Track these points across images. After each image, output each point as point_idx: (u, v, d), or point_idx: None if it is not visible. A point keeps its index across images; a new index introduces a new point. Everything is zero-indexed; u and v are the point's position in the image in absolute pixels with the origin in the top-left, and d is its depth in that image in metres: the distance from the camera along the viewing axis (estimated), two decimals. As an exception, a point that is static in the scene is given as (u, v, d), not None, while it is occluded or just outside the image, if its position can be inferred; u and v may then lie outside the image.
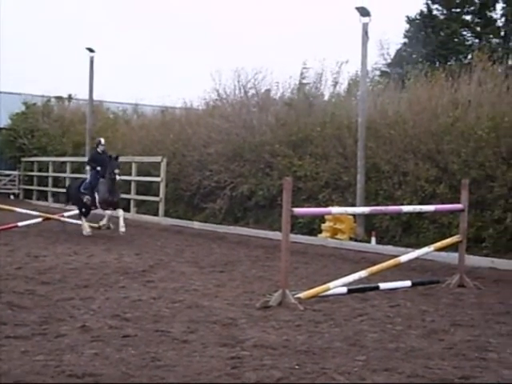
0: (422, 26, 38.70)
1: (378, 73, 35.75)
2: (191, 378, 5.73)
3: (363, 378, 5.80)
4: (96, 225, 18.20)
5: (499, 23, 39.53)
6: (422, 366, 6.13)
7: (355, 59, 18.76)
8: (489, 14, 39.44)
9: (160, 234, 18.94)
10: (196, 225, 20.98)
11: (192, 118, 25.86)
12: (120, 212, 17.32)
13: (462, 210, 11.10)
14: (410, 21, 39.60)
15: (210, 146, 22.80)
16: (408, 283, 10.57)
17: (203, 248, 15.82)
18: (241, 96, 24.01)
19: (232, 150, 22.07)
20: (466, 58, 34.65)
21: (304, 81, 23.29)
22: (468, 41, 39.51)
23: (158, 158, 23.46)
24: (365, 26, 17.95)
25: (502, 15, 39.29)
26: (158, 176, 23.23)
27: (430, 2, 39.57)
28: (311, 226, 18.36)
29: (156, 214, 23.21)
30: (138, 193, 24.74)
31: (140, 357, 6.30)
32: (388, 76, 26.94)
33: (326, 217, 17.28)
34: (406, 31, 39.76)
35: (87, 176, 19.06)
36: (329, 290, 9.41)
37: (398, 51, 38.91)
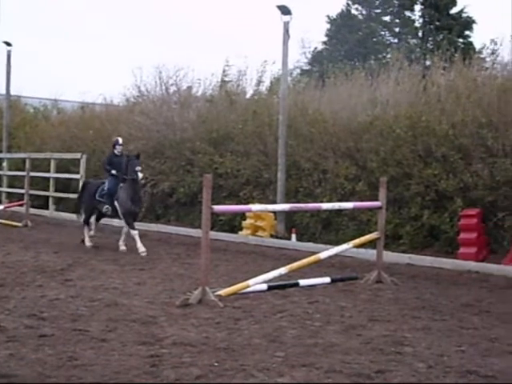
0: (342, 25, 39.24)
1: (299, 71, 36.09)
2: (109, 377, 5.68)
3: (282, 374, 5.84)
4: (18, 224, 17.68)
5: (417, 24, 40.33)
6: (340, 361, 6.21)
7: (278, 57, 18.85)
8: (407, 15, 40.23)
9: (80, 231, 18.60)
10: (116, 222, 20.70)
11: (112, 114, 25.58)
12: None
13: (380, 208, 11.29)
14: (330, 20, 40.09)
15: (130, 143, 22.50)
16: (327, 280, 10.70)
17: (123, 246, 15.63)
18: (162, 93, 23.86)
19: (153, 147, 21.92)
20: (384, 57, 35.27)
21: (226, 78, 23.29)
22: (387, 41, 40.26)
23: (77, 155, 23.09)
24: (286, 25, 18.02)
25: (420, 16, 40.11)
26: (78, 173, 22.86)
27: (350, 2, 40.15)
28: (232, 224, 18.37)
29: (75, 212, 22.78)
30: (56, 190, 24.26)
31: (57, 356, 6.20)
32: (309, 74, 27.17)
33: (247, 214, 17.34)
34: (327, 30, 40.24)
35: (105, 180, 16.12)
36: (249, 287, 9.44)
37: (319, 50, 39.35)
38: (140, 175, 14.86)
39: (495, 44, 16.47)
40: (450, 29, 37.93)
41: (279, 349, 6.63)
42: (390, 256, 13.16)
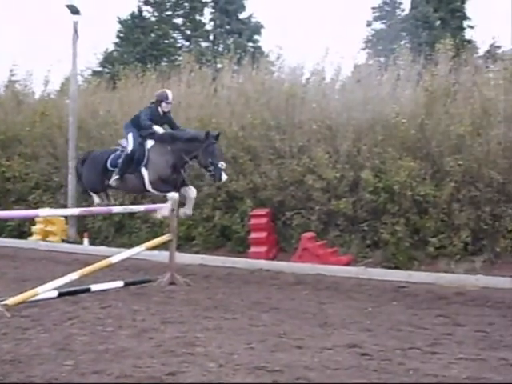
0: (133, 26, 39.07)
1: (90, 72, 35.49)
2: None
3: (71, 382, 5.69)
4: None
5: (208, 27, 41.00)
6: (131, 366, 6.13)
7: (69, 58, 18.45)
8: (198, 18, 40.77)
9: None
10: None
11: None
12: (193, 192, 11.80)
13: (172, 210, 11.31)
14: (121, 21, 39.75)
15: None
16: (120, 283, 10.57)
17: None
18: None
19: None
20: (176, 59, 35.50)
21: (13, 78, 22.49)
22: (178, 43, 40.56)
23: None
24: (75, 25, 17.75)
25: (211, 20, 40.82)
26: None
27: (141, 4, 40.05)
28: (21, 229, 17.77)
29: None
30: None
31: None
32: (100, 75, 26.82)
33: (37, 219, 16.81)
34: (118, 31, 39.84)
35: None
36: (38, 294, 9.12)
37: (110, 51, 38.93)
38: (224, 177, 11.30)
39: (280, 49, 17.14)
40: (239, 33, 38.99)
41: (69, 357, 6.45)
42: (183, 257, 13.26)
